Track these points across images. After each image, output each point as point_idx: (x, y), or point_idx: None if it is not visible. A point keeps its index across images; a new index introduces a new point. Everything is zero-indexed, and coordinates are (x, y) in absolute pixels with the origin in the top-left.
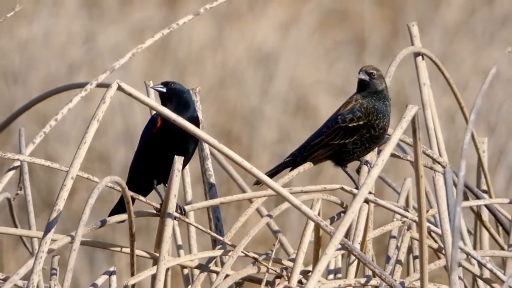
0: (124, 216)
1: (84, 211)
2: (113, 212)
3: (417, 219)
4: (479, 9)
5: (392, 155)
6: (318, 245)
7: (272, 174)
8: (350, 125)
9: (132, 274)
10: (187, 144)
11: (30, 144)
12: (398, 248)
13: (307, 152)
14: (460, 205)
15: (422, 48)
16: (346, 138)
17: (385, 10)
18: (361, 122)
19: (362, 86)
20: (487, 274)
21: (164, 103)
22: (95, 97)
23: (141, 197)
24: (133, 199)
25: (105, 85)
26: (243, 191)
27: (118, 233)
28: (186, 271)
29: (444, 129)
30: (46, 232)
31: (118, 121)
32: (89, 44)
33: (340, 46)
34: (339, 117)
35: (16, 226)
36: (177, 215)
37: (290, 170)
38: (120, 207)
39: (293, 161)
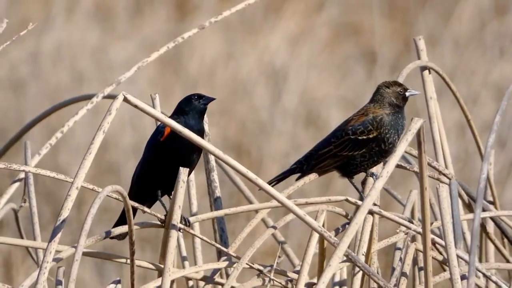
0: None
1: (86, 221)
2: (117, 224)
3: (421, 230)
4: (489, 23)
5: (398, 166)
6: (323, 256)
7: (277, 180)
8: (359, 137)
9: (132, 284)
10: (192, 155)
11: (36, 155)
12: (402, 260)
13: (315, 161)
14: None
15: (428, 62)
16: (355, 150)
17: (396, 24)
18: (371, 136)
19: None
20: (492, 286)
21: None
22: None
23: (145, 208)
24: (135, 210)
25: (114, 97)
26: (251, 203)
27: (126, 244)
28: (191, 283)
29: (454, 142)
30: (51, 242)
31: (128, 134)
32: (99, 57)
33: (351, 59)
34: (350, 128)
35: (22, 238)
36: (182, 226)
37: (297, 179)
38: (124, 218)
39: (300, 168)
